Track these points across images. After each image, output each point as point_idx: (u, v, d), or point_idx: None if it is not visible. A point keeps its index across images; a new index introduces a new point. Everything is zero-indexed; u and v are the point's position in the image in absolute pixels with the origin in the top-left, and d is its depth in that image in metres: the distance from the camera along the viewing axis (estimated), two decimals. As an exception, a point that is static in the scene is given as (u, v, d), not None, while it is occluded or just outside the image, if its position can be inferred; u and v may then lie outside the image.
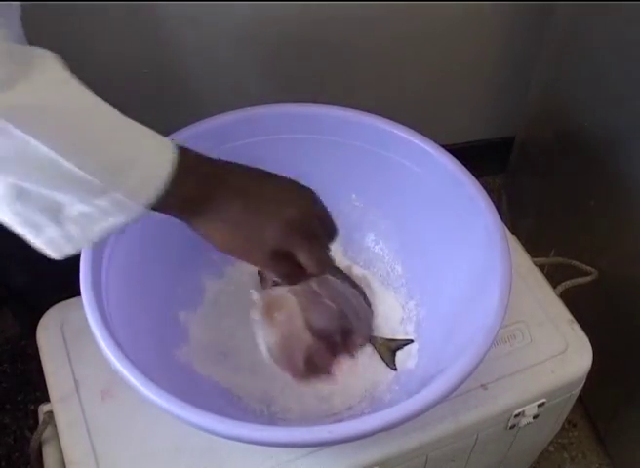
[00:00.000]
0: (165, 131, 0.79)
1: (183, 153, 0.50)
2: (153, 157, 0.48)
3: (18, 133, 0.40)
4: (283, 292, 0.79)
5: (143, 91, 1.15)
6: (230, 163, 0.57)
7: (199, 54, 1.16)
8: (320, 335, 0.77)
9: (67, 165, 0.42)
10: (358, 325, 0.80)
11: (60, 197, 0.44)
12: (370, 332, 0.83)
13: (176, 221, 0.62)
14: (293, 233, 0.56)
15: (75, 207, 0.45)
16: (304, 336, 0.77)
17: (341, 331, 0.79)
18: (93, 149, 0.44)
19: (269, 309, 0.78)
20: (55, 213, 0.45)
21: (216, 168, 0.54)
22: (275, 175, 0.59)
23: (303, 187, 0.61)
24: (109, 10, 1.04)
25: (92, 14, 1.04)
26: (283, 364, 0.76)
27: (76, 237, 0.47)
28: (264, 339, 0.77)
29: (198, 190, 0.52)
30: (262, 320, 0.78)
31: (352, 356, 0.79)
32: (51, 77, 0.45)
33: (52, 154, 0.41)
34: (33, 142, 0.40)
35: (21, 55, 0.43)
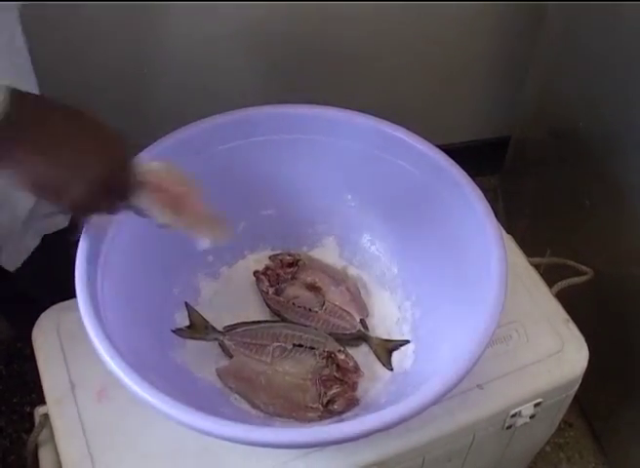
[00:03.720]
0: (164, 131, 0.79)
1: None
2: None
3: None
4: (244, 358, 0.79)
5: (142, 91, 1.15)
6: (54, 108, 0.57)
7: (198, 54, 1.16)
8: (313, 378, 0.78)
9: None
10: (329, 343, 0.81)
11: None
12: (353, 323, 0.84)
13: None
14: (97, 192, 0.58)
15: None
16: (303, 385, 0.77)
17: (326, 358, 0.79)
18: None
19: (237, 376, 0.79)
20: None
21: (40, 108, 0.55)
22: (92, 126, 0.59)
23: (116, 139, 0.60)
24: (109, 10, 1.04)
25: (91, 13, 1.04)
26: (294, 414, 0.76)
27: None
28: (254, 403, 0.77)
29: (24, 119, 0.53)
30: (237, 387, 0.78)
31: (355, 371, 0.79)
32: None
33: None
34: None
35: None
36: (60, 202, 0.57)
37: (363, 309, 0.86)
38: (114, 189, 0.60)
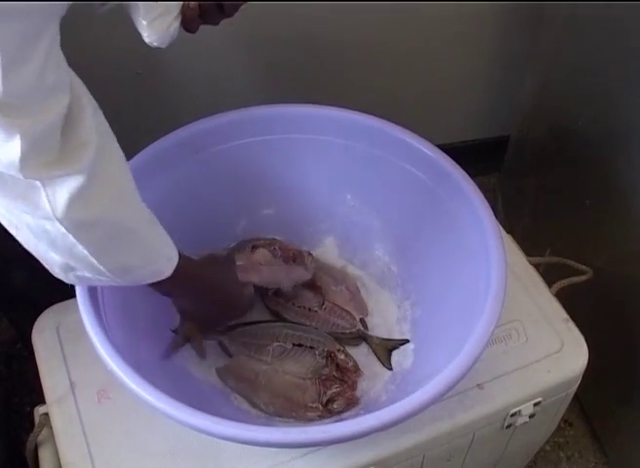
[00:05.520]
0: (163, 131, 0.79)
1: (179, 266, 0.64)
2: (160, 266, 0.62)
3: (71, 239, 0.51)
4: (244, 358, 0.80)
5: (141, 91, 1.15)
6: (201, 268, 0.75)
7: (196, 55, 1.15)
8: (313, 377, 0.78)
9: (96, 264, 0.55)
10: (329, 342, 0.81)
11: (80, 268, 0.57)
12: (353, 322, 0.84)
13: (171, 225, 0.62)
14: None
15: (84, 273, 0.57)
16: (303, 385, 0.77)
17: (326, 358, 0.79)
18: (119, 258, 0.57)
19: (237, 376, 0.79)
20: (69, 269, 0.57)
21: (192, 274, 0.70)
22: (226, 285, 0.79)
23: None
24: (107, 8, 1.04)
25: (86, 13, 1.04)
26: (294, 414, 0.76)
27: (71, 281, 0.59)
28: (254, 402, 0.78)
29: (175, 288, 0.68)
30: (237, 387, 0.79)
31: (355, 370, 0.79)
32: (113, 188, 0.54)
33: (89, 257, 0.54)
34: (79, 246, 0.52)
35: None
36: (187, 325, 0.77)
37: (363, 308, 0.86)
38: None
